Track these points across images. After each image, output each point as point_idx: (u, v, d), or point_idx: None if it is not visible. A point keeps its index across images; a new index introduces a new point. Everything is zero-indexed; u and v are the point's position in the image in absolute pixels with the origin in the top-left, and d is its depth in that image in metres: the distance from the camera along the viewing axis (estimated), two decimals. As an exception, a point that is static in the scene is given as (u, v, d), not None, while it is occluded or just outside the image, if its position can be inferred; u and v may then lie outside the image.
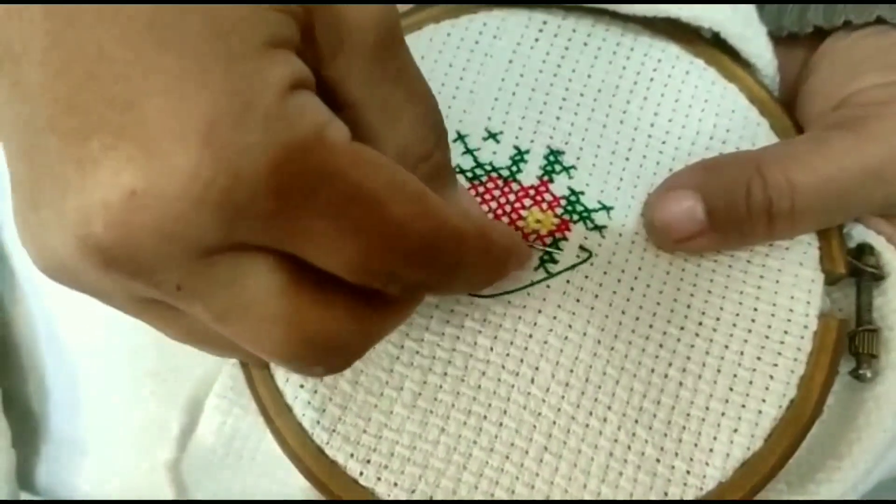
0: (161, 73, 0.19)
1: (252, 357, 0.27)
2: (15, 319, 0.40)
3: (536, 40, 0.37)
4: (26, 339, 0.39)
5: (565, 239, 0.33)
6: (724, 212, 0.32)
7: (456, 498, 0.31)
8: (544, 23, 0.37)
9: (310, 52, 0.23)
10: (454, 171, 0.28)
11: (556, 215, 0.34)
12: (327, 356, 0.24)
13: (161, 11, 0.19)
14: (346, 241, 0.21)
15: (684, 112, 0.36)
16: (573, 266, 0.33)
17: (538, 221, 0.33)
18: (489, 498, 0.31)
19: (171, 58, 0.19)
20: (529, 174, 0.34)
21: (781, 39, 0.38)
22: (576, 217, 0.34)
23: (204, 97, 0.19)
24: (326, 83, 0.23)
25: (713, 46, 0.37)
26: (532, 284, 0.32)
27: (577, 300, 0.32)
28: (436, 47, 0.36)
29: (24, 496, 0.39)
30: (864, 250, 0.34)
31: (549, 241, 0.33)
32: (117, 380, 0.36)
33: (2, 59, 0.20)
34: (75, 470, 0.38)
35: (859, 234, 0.35)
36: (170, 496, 0.33)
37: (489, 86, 0.36)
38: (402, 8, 0.37)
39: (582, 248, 0.33)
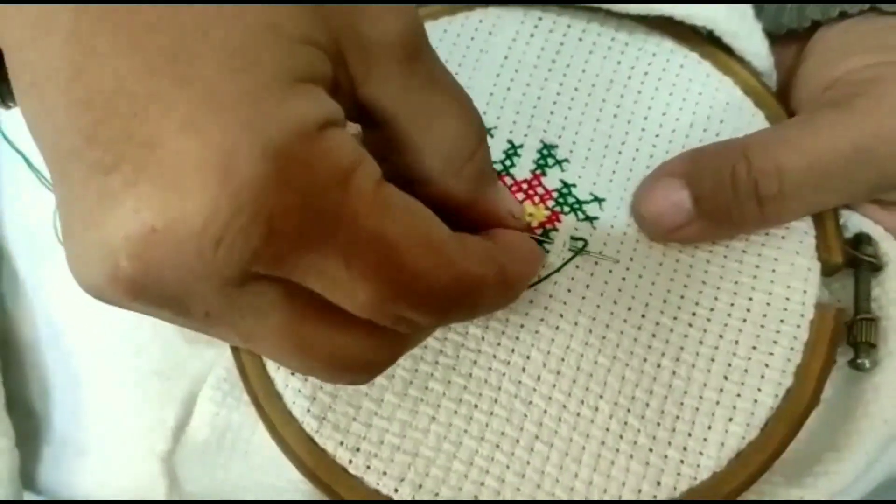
0: (180, 111, 0.19)
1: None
2: (17, 320, 0.40)
3: (532, 36, 0.37)
4: (29, 340, 0.39)
5: (555, 230, 0.33)
6: (710, 198, 0.32)
7: (445, 488, 0.30)
8: (539, 19, 0.37)
9: (343, 77, 0.23)
10: (495, 171, 0.28)
11: (547, 207, 0.34)
12: (350, 375, 0.25)
13: (182, 43, 0.19)
14: (358, 285, 0.21)
15: (678, 105, 0.36)
16: (577, 253, 0.33)
17: (530, 215, 0.33)
18: (479, 486, 0.30)
19: (191, 94, 0.19)
20: (523, 168, 0.34)
21: (780, 37, 0.38)
22: (567, 209, 0.33)
23: (223, 137, 0.19)
24: (363, 103, 0.23)
25: (708, 42, 0.37)
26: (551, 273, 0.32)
27: (569, 290, 0.32)
28: (432, 43, 0.37)
29: (28, 496, 0.39)
30: (861, 240, 0.34)
31: (539, 232, 0.33)
32: (120, 380, 0.36)
33: (30, 84, 0.21)
34: (77, 470, 0.38)
35: (856, 223, 0.34)
36: (161, 488, 0.33)
37: (484, 82, 0.36)
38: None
39: (573, 238, 0.33)
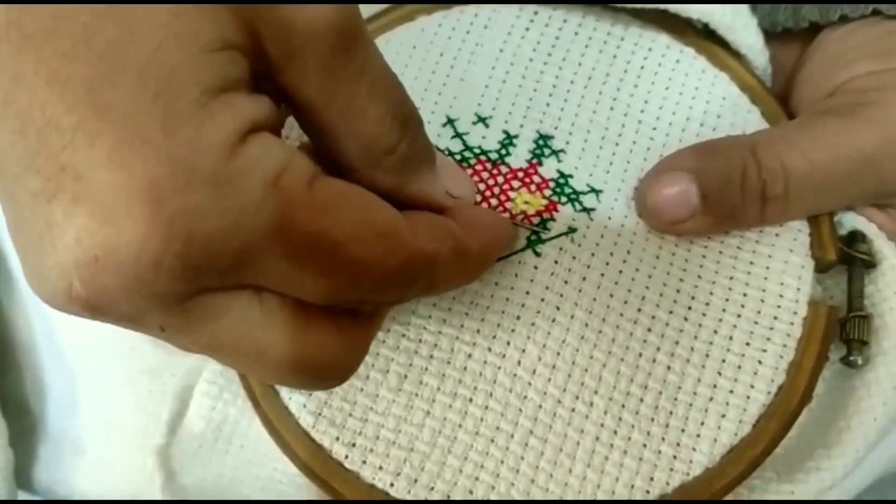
0: (104, 143, 0.19)
1: None
2: (12, 319, 0.40)
3: (527, 29, 0.37)
4: (24, 339, 0.39)
5: (553, 219, 0.33)
6: (718, 195, 0.32)
7: (440, 482, 0.30)
8: (535, 13, 0.37)
9: (262, 65, 0.22)
10: (430, 154, 0.28)
11: (544, 196, 0.34)
12: (319, 377, 0.25)
13: (98, 71, 0.19)
14: (311, 281, 0.22)
15: (674, 99, 0.36)
16: (559, 235, 0.33)
17: (526, 202, 0.33)
18: (473, 480, 0.30)
19: (111, 126, 0.19)
20: (518, 157, 0.34)
21: (776, 35, 0.38)
22: (564, 199, 0.34)
23: (146, 167, 0.19)
24: (284, 89, 0.23)
25: (704, 37, 0.37)
26: (519, 251, 0.33)
27: (566, 282, 0.32)
28: (427, 37, 0.37)
29: (22, 495, 0.39)
30: (855, 237, 0.34)
31: (536, 220, 0.33)
32: (114, 378, 0.36)
33: None
34: (73, 469, 0.38)
35: (850, 221, 0.35)
36: (157, 482, 0.33)
37: (479, 73, 0.36)
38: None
39: (570, 228, 0.33)
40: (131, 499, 0.36)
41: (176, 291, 0.21)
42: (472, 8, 0.37)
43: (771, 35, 0.38)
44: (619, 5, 0.37)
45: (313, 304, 0.23)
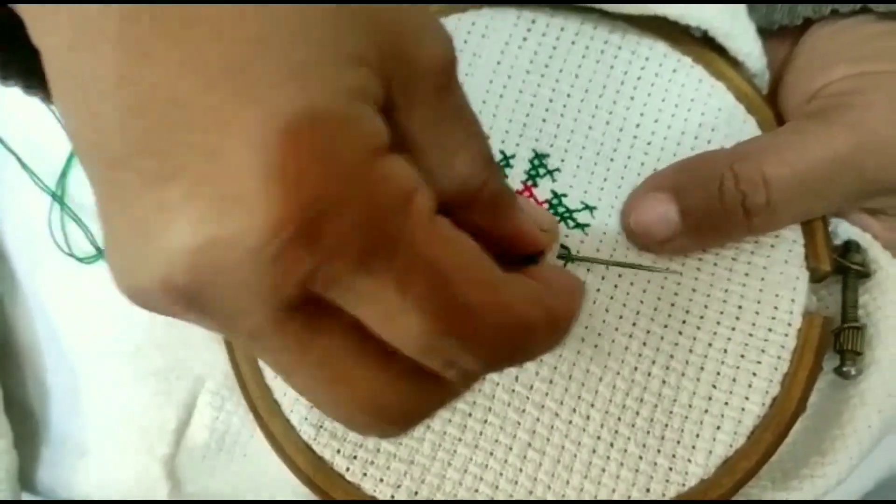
0: (242, 127, 0.18)
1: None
2: (16, 320, 0.40)
3: (525, 39, 0.37)
4: (27, 341, 0.40)
5: None
6: (698, 211, 0.32)
7: (440, 495, 0.31)
8: (533, 21, 0.37)
9: (385, 100, 0.22)
10: (512, 190, 0.27)
11: None
12: (383, 423, 0.23)
13: (242, 57, 0.19)
14: (411, 314, 0.21)
15: (670, 112, 0.36)
16: (569, 259, 0.33)
17: None
18: (473, 492, 0.31)
19: (252, 107, 0.19)
20: (514, 179, 0.35)
21: (773, 33, 0.38)
22: (557, 218, 0.34)
23: (288, 155, 0.19)
24: (394, 126, 0.22)
25: (701, 44, 0.37)
26: None
27: None
28: None
29: (26, 496, 0.40)
30: (850, 248, 0.34)
31: None
32: (118, 380, 0.37)
33: (73, 87, 0.20)
34: (76, 471, 0.38)
35: (846, 231, 0.35)
36: (164, 491, 0.34)
37: (477, 88, 0.36)
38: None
39: (562, 246, 0.33)
40: (133, 499, 0.36)
41: (285, 291, 0.20)
42: (469, 16, 0.37)
43: (767, 34, 0.38)
44: (617, 12, 0.37)
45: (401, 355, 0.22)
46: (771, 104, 0.37)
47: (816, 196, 0.33)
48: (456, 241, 0.21)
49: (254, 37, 0.19)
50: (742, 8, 0.37)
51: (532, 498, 0.31)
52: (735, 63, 0.37)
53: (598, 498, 0.31)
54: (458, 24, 0.37)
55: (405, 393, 0.23)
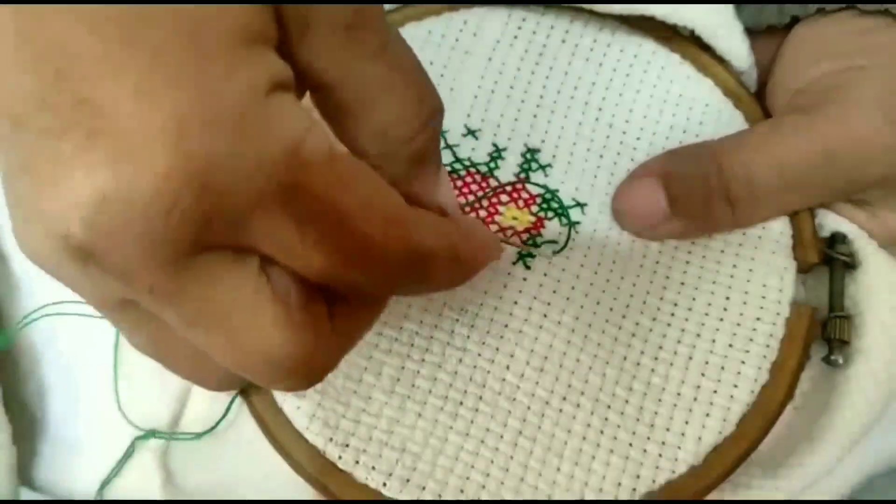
0: (130, 74, 0.19)
1: (208, 376, 0.28)
2: (13, 319, 0.41)
3: (515, 38, 0.37)
4: (25, 338, 0.40)
5: (540, 235, 0.34)
6: (683, 198, 0.33)
7: (432, 482, 0.31)
8: (523, 20, 0.38)
9: (280, 33, 0.22)
10: (439, 156, 0.28)
11: (531, 213, 0.34)
12: (287, 376, 0.24)
13: (127, 10, 0.19)
14: (312, 252, 0.21)
15: (658, 108, 0.37)
16: (562, 249, 0.34)
17: (515, 218, 0.34)
18: (464, 480, 0.31)
19: (141, 58, 0.19)
20: (507, 171, 0.35)
21: (761, 33, 0.38)
22: (550, 214, 0.34)
23: (174, 101, 0.19)
24: (298, 63, 0.23)
25: (690, 42, 0.38)
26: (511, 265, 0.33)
27: (554, 292, 0.33)
28: (416, 45, 0.36)
29: (25, 493, 0.40)
30: (837, 239, 0.35)
31: (525, 237, 0.34)
32: (113, 376, 0.37)
33: None
34: (73, 467, 0.38)
35: (832, 222, 0.35)
36: (156, 481, 0.34)
37: (469, 84, 0.37)
38: (386, 8, 0.38)
39: (556, 242, 0.34)
40: (131, 499, 0.36)
41: (181, 242, 0.20)
42: (460, 15, 0.38)
43: (756, 34, 0.38)
44: (606, 12, 0.38)
45: (307, 284, 0.23)
46: (759, 101, 0.37)
47: (799, 188, 0.33)
48: (356, 177, 0.22)
49: None
50: (729, 7, 0.38)
51: (524, 484, 0.31)
52: (722, 61, 0.38)
53: (589, 483, 0.31)
54: (449, 23, 0.38)
55: (306, 341, 0.23)
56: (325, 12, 0.22)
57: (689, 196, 0.33)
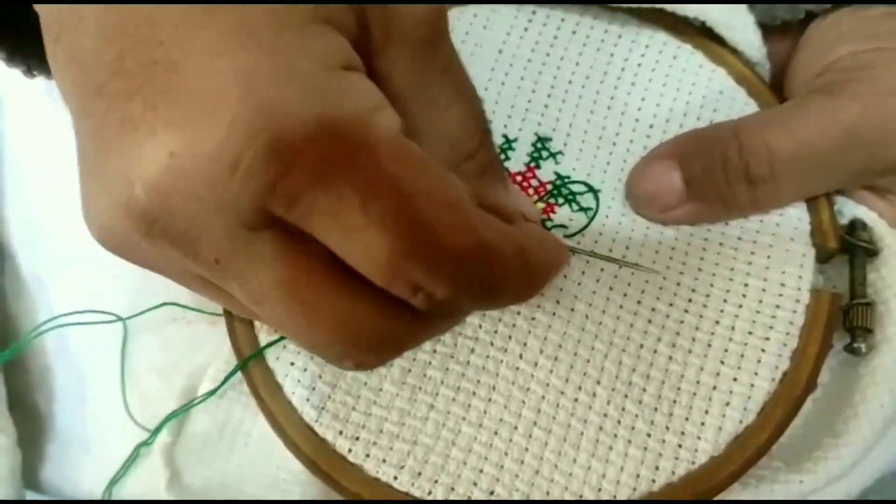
0: (206, 35, 0.19)
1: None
2: (20, 318, 0.40)
3: (525, 30, 0.37)
4: (34, 342, 0.40)
5: (549, 220, 0.33)
6: (701, 179, 0.32)
7: (444, 474, 0.30)
8: (533, 13, 0.38)
9: (363, 44, 0.22)
10: (503, 170, 0.27)
11: (541, 200, 0.34)
12: (358, 350, 0.23)
13: None
14: (372, 234, 0.20)
15: (671, 96, 0.36)
16: (581, 230, 0.33)
17: None
18: (477, 472, 0.30)
19: (218, 18, 0.19)
20: (517, 161, 0.35)
21: (775, 29, 0.38)
22: (561, 200, 0.34)
23: (247, 58, 0.19)
24: (377, 75, 0.23)
25: (701, 34, 0.37)
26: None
27: (566, 276, 0.32)
28: None
29: (30, 495, 0.39)
30: (856, 226, 0.34)
31: None
32: (120, 376, 0.37)
33: (60, 33, 0.21)
34: (80, 468, 0.38)
35: (851, 209, 0.35)
36: (162, 480, 0.33)
37: (479, 76, 0.36)
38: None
39: (565, 227, 0.33)
40: (136, 499, 0.36)
41: (245, 208, 0.20)
42: (470, 8, 0.38)
43: (769, 29, 0.38)
44: (616, 4, 0.37)
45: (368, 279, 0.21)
46: (774, 93, 0.37)
47: (821, 169, 0.32)
48: (423, 162, 0.21)
49: None
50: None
51: (539, 476, 0.30)
52: (734, 51, 0.37)
53: (606, 474, 0.30)
54: (459, 17, 0.38)
55: (377, 318, 0.22)
56: (407, 28, 0.23)
57: (707, 176, 0.32)
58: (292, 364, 0.32)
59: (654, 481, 0.30)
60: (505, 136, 0.35)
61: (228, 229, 0.20)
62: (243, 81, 0.19)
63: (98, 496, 0.37)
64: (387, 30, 0.23)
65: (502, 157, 0.35)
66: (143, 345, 0.36)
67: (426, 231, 0.20)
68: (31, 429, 0.39)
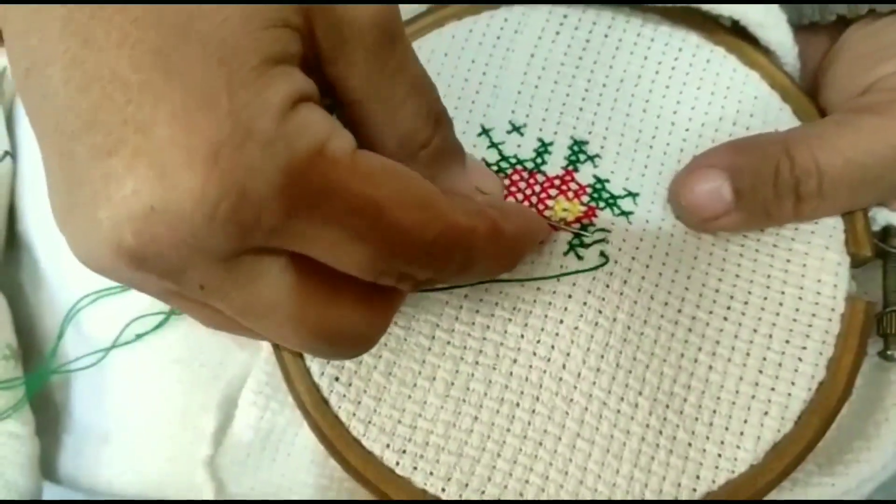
0: (170, 101, 0.21)
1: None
2: (38, 309, 0.40)
3: (557, 33, 0.37)
4: (49, 329, 0.40)
5: (592, 224, 0.34)
6: (751, 192, 0.32)
7: (491, 486, 0.31)
8: (564, 16, 0.37)
9: (313, 54, 0.24)
10: (460, 152, 0.30)
11: (582, 203, 0.34)
12: (342, 348, 0.26)
13: (167, 37, 0.21)
14: (354, 247, 0.23)
15: (707, 99, 0.36)
16: (594, 268, 0.33)
17: (565, 210, 0.34)
18: (523, 483, 0.31)
19: (177, 86, 0.21)
20: (554, 165, 0.35)
21: (803, 27, 0.38)
22: (602, 204, 0.34)
23: (208, 125, 0.21)
24: (330, 82, 0.25)
25: (733, 34, 0.37)
26: (558, 276, 0.33)
27: (607, 286, 0.33)
28: (458, 44, 0.37)
29: (47, 485, 0.40)
30: (889, 232, 0.35)
31: (577, 226, 0.33)
32: (142, 369, 0.37)
33: (30, 70, 0.22)
34: (99, 459, 0.38)
35: (884, 216, 0.35)
36: (209, 492, 0.34)
37: (512, 80, 0.36)
38: (420, 7, 0.38)
39: (605, 230, 0.33)
40: (147, 499, 0.36)
41: (224, 247, 0.22)
42: (501, 12, 0.37)
43: (797, 28, 0.38)
44: (648, 5, 0.37)
45: (347, 276, 0.24)
46: (807, 96, 0.37)
47: (866, 187, 0.33)
48: (383, 171, 0.23)
49: (177, 19, 0.21)
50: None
51: (583, 486, 0.31)
52: (767, 53, 0.37)
53: (649, 484, 0.31)
54: (490, 22, 0.37)
55: (354, 315, 0.25)
56: (358, 32, 0.24)
57: (758, 190, 0.32)
58: (337, 379, 0.32)
59: (694, 490, 0.31)
60: (541, 140, 0.35)
61: (210, 263, 0.22)
62: (208, 149, 0.21)
63: (115, 486, 0.37)
64: (337, 39, 0.24)
65: (539, 160, 0.35)
66: (162, 335, 0.36)
67: (401, 232, 0.23)
68: (49, 418, 0.39)
